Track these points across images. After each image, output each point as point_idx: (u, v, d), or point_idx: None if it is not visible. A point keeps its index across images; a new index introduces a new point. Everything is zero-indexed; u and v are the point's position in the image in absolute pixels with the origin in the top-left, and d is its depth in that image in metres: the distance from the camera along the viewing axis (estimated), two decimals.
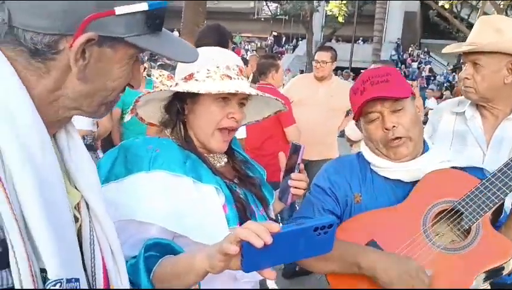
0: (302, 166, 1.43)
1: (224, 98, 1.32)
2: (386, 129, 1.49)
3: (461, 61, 1.97)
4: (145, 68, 4.94)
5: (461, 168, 1.56)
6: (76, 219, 0.84)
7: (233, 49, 4.45)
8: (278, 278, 3.91)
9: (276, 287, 3.90)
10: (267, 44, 35.37)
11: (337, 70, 16.74)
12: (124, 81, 0.84)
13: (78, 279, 0.75)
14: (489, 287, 1.46)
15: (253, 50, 28.39)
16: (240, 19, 36.84)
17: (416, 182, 1.54)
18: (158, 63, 5.26)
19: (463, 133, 2.00)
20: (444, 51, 2.17)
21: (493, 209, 1.42)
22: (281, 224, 0.95)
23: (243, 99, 1.38)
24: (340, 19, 25.17)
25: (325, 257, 1.41)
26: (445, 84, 21.71)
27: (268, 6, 31.21)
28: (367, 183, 1.60)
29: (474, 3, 24.04)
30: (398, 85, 1.50)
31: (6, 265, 0.66)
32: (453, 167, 1.56)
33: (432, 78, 25.15)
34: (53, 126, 0.81)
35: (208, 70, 1.33)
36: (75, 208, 0.85)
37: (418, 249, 1.42)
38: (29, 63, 0.74)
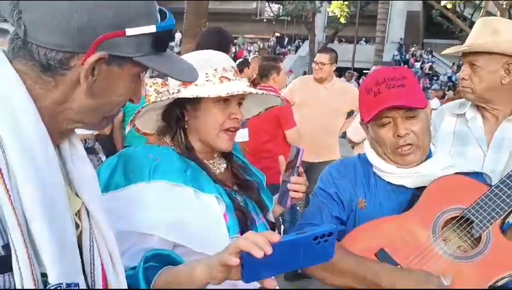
0: (301, 169, 1.44)
1: (225, 99, 1.33)
2: (398, 136, 1.48)
3: (460, 62, 1.98)
4: None
5: (464, 174, 1.55)
6: (77, 226, 0.86)
7: (235, 51, 4.43)
8: (280, 280, 3.90)
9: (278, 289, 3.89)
10: (270, 45, 35.36)
11: (340, 71, 16.74)
12: (127, 97, 0.88)
13: (78, 284, 0.78)
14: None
15: (255, 51, 28.43)
16: (242, 20, 36.86)
17: (419, 188, 1.53)
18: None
19: (464, 134, 2.00)
20: (443, 52, 2.21)
21: (503, 216, 1.41)
22: (282, 228, 0.95)
23: (241, 99, 1.39)
24: (342, 20, 25.14)
25: (340, 271, 1.42)
26: (448, 84, 21.66)
27: (270, 7, 31.19)
28: (371, 188, 1.59)
29: (477, 2, 23.96)
30: (414, 92, 1.50)
31: (10, 268, 0.69)
32: (456, 173, 1.55)
33: (435, 78, 25.10)
34: (57, 137, 0.85)
35: (206, 74, 1.33)
36: (76, 215, 0.87)
37: (428, 257, 1.41)
38: (39, 77, 0.78)
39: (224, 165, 1.47)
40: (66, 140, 0.89)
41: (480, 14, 17.48)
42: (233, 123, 1.36)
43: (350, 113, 4.62)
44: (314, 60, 4.49)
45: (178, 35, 23.40)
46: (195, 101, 1.33)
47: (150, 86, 1.34)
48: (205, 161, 1.39)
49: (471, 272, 1.37)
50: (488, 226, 1.40)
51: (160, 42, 0.84)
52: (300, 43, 34.19)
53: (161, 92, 1.35)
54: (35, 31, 0.76)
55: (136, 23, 0.80)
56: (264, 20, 34.90)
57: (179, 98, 1.33)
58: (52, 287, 0.73)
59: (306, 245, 0.94)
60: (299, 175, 1.43)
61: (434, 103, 13.60)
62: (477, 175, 1.60)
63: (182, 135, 1.37)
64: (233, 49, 3.28)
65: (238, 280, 0.97)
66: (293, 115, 3.91)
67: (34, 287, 0.70)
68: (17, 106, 0.75)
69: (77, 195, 0.89)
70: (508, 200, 1.41)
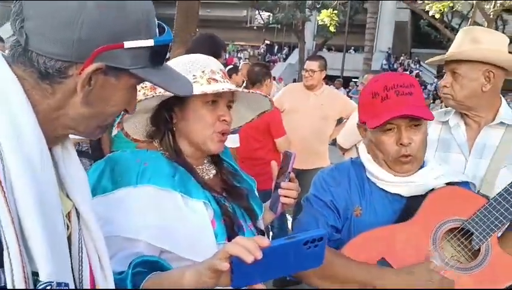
0: (292, 175, 1.42)
1: (213, 101, 1.33)
2: (401, 144, 1.48)
3: (443, 70, 2.04)
4: None
5: (455, 183, 1.57)
6: (66, 227, 0.87)
7: (225, 58, 4.44)
8: (269, 286, 3.88)
9: None
10: (260, 52, 35.51)
11: (329, 79, 16.83)
12: (122, 107, 0.90)
13: (68, 284, 0.79)
14: None
15: (246, 58, 28.50)
16: (233, 27, 36.97)
17: (412, 196, 1.54)
18: None
19: (447, 141, 2.04)
20: (427, 61, 2.26)
21: (501, 229, 1.44)
22: (271, 235, 0.94)
23: (229, 102, 1.38)
24: (332, 29, 25.32)
25: (338, 278, 1.41)
26: (433, 93, 21.90)
27: (260, 15, 31.30)
28: (366, 195, 1.57)
29: (464, 13, 24.31)
30: (422, 101, 1.50)
31: (1, 265, 0.70)
32: (448, 183, 1.57)
33: (423, 87, 25.36)
34: (51, 141, 0.85)
35: (194, 75, 1.32)
36: (66, 216, 0.88)
37: None
38: (37, 83, 0.80)
39: (214, 171, 1.45)
40: (59, 144, 0.90)
41: (468, 24, 17.70)
42: (223, 126, 1.35)
43: (340, 120, 4.63)
44: (304, 67, 4.50)
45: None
46: (183, 103, 1.32)
47: (139, 90, 1.33)
48: (194, 167, 1.38)
49: (472, 283, 1.39)
50: (487, 238, 1.42)
51: (157, 56, 0.87)
52: (290, 51, 34.38)
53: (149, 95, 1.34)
54: (37, 41, 0.78)
55: (134, 36, 0.82)
56: (255, 27, 35.01)
57: (167, 101, 1.32)
58: (42, 285, 0.74)
59: (296, 250, 0.94)
60: (290, 181, 1.41)
61: None
62: (466, 184, 1.62)
63: (171, 137, 1.36)
64: (224, 57, 3.28)
65: (228, 286, 0.95)
66: (282, 124, 3.91)
67: (24, 284, 0.70)
68: (15, 107, 0.76)
69: (68, 197, 0.90)
70: (506, 213, 1.44)
